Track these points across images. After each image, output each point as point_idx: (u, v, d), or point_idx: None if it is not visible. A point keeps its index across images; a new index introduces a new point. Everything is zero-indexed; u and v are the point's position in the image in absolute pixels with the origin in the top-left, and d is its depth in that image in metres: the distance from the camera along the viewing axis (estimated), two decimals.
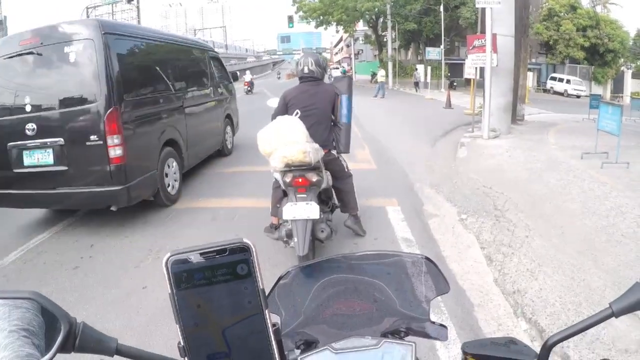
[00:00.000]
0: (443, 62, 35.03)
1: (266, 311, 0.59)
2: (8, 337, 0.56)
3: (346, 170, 4.49)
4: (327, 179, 4.13)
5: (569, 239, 4.44)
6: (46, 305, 0.59)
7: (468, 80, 43.27)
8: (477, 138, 9.89)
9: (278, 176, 3.96)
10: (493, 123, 9.96)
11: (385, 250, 0.92)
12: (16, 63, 5.16)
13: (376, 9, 38.44)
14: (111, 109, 4.93)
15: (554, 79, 39.38)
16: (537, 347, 0.73)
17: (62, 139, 5.00)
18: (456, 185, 6.73)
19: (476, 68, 11.01)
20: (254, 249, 0.58)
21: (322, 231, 3.88)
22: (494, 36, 9.39)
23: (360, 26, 51.17)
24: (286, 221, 3.87)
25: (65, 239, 5.24)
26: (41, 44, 5.02)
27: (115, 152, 4.97)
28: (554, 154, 8.38)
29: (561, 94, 37.16)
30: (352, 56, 54.82)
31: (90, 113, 4.97)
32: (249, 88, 29.58)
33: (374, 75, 39.85)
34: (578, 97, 35.14)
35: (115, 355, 0.63)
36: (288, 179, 3.79)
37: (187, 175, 7.21)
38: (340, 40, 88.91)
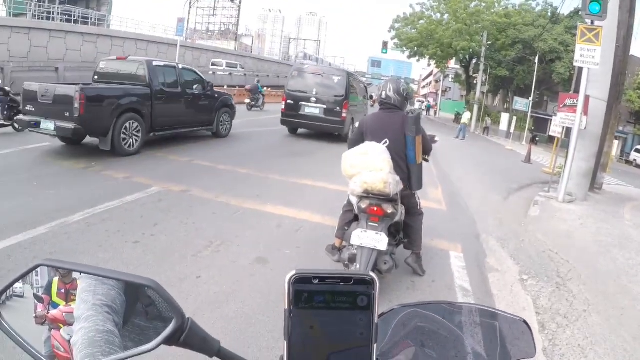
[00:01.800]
0: (529, 114, 34.05)
1: (374, 345, 0.59)
2: (91, 310, 0.60)
3: (419, 207, 4.48)
4: (400, 212, 4.13)
5: (626, 322, 4.22)
6: (163, 295, 0.62)
7: (551, 138, 42.26)
8: (552, 199, 9.54)
9: (354, 200, 4.00)
10: (571, 187, 9.56)
11: (488, 307, 0.95)
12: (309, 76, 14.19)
13: (471, 50, 38.17)
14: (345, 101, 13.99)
15: (639, 151, 37.27)
16: None
17: (324, 107, 13.76)
18: (522, 244, 6.55)
19: (563, 127, 10.65)
20: (377, 284, 0.58)
21: (385, 263, 3.90)
22: (586, 98, 9.07)
23: (453, 64, 50.87)
24: (351, 245, 3.90)
25: (132, 212, 5.49)
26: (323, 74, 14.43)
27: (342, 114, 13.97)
28: (627, 231, 7.93)
29: (630, 162, 35.55)
30: (440, 92, 54.32)
31: (337, 101, 13.86)
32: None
33: (457, 115, 39.46)
34: None
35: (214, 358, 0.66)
36: (364, 205, 3.84)
37: (261, 181, 7.70)
38: (430, 74, 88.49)
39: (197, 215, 5.61)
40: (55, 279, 0.69)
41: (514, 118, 28.93)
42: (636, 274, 5.64)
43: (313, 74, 14.48)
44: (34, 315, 0.68)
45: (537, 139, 36.85)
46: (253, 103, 23.02)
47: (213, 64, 35.65)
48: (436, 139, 5.03)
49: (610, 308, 4.52)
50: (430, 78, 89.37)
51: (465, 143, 23.50)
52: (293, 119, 14.25)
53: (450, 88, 66.34)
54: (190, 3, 55.29)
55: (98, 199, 5.76)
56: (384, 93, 4.29)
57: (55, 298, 0.68)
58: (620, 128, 38.61)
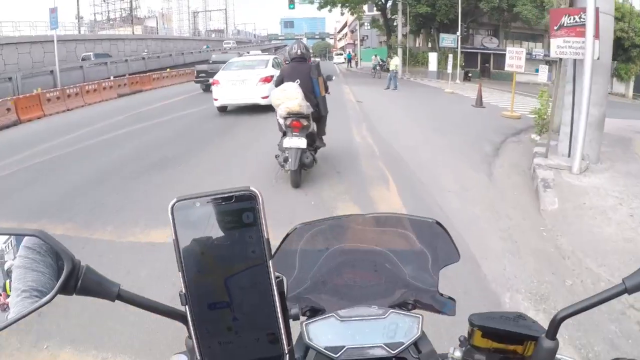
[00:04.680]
0: (459, 50, 31.22)
1: (270, 261, 0.57)
2: (20, 296, 0.58)
3: (324, 129, 6.72)
4: (313, 126, 6.08)
5: None
6: (51, 243, 0.59)
7: (484, 71, 40.55)
8: (562, 170, 6.37)
9: (281, 121, 5.86)
10: (577, 145, 6.44)
11: (394, 213, 0.90)
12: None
13: None
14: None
15: None
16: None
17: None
18: (577, 295, 3.34)
19: (549, 62, 7.48)
20: (260, 198, 0.56)
21: (307, 158, 5.81)
22: (597, 12, 5.85)
23: (367, 11, 47.29)
24: (284, 150, 5.77)
25: None
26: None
27: None
28: None
29: None
30: (358, 42, 50.36)
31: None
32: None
33: (382, 63, 36.12)
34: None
35: (116, 301, 0.62)
36: (288, 122, 5.73)
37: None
38: (345, 25, 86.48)
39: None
40: None
41: (450, 57, 25.45)
42: None
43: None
44: None
45: (469, 74, 34.70)
46: None
47: (83, 58, 30.70)
48: (333, 77, 7.63)
49: None
50: (346, 29, 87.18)
51: (399, 93, 20.19)
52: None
53: (367, 36, 63.02)
54: None
55: None
56: (297, 51, 6.40)
57: None
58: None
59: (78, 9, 52.40)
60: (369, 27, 56.28)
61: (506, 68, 13.03)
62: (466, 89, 22.47)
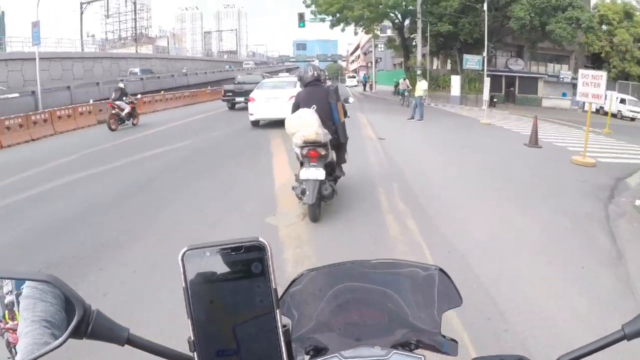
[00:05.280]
0: (486, 72, 28.30)
1: (277, 311, 0.58)
2: (30, 326, 0.59)
3: (345, 157, 6.34)
4: (332, 155, 5.72)
5: None
6: (62, 289, 0.60)
7: (508, 96, 37.47)
8: None
9: (298, 151, 5.56)
10: None
11: (399, 260, 0.92)
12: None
13: (404, 4, 31.73)
14: None
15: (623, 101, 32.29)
16: None
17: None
18: None
19: None
20: (269, 248, 0.58)
21: (326, 190, 5.44)
22: None
23: (382, 33, 44.74)
24: (301, 182, 5.41)
25: None
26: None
27: None
28: None
29: (614, 115, 30.31)
30: (373, 63, 47.57)
31: None
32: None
33: (397, 86, 33.19)
34: (632, 119, 28.82)
35: (125, 345, 0.63)
36: (304, 151, 5.38)
37: None
38: (357, 47, 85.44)
39: None
40: None
41: (487, 80, 22.13)
42: None
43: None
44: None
45: (494, 100, 31.67)
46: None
47: (130, 73, 32.63)
48: (350, 100, 7.84)
49: None
50: (358, 51, 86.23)
51: (426, 124, 16.90)
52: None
53: (380, 58, 60.52)
54: (82, 7, 48.54)
55: None
56: (312, 73, 6.04)
57: None
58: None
59: (82, 27, 51.15)
60: (382, 49, 53.86)
61: (578, 98, 9.98)
62: (497, 117, 19.03)
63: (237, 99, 20.58)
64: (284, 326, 0.59)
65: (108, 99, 21.47)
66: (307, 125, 5.33)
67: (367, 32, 38.53)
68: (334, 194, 5.69)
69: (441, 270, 0.86)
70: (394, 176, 7.96)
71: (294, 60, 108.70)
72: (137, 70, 33.64)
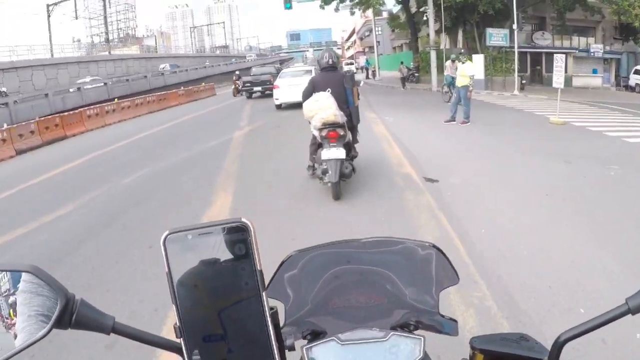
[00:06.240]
0: (517, 49, 23.26)
1: (263, 293, 0.57)
2: (26, 321, 0.59)
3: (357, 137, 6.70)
4: (348, 135, 5.98)
5: None
6: (44, 279, 0.59)
7: (534, 75, 32.47)
8: None
9: (316, 133, 5.80)
10: None
11: (393, 237, 0.89)
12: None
13: None
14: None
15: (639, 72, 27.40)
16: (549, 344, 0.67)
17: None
18: None
19: None
20: (252, 229, 0.56)
21: (347, 168, 5.74)
22: None
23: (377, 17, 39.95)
24: (322, 163, 5.69)
25: None
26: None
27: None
28: None
29: None
30: (375, 45, 42.17)
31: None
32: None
33: (408, 69, 28.22)
34: None
35: (111, 334, 0.61)
36: (324, 133, 5.66)
37: None
38: (352, 33, 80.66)
39: None
40: None
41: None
42: None
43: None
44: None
45: (523, 81, 26.85)
46: None
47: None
48: (362, 83, 8.72)
49: None
50: (354, 37, 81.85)
51: (476, 132, 11.12)
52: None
53: (379, 42, 55.62)
54: (48, 10, 44.19)
55: None
56: (328, 60, 6.28)
57: None
58: (607, 47, 31.30)
59: (50, 30, 46.77)
60: (380, 32, 48.96)
61: None
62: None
63: (255, 89, 23.72)
64: (271, 308, 0.58)
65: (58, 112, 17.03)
66: (325, 108, 5.65)
67: (366, 8, 33.03)
68: (353, 172, 5.95)
69: (436, 247, 0.84)
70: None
71: (287, 50, 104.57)
72: (87, 79, 30.25)
